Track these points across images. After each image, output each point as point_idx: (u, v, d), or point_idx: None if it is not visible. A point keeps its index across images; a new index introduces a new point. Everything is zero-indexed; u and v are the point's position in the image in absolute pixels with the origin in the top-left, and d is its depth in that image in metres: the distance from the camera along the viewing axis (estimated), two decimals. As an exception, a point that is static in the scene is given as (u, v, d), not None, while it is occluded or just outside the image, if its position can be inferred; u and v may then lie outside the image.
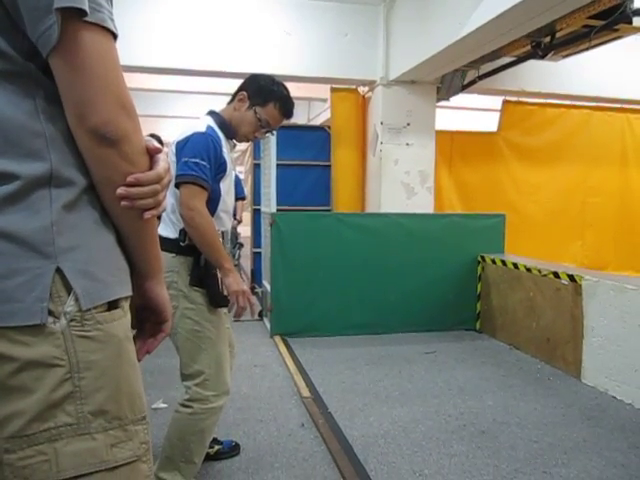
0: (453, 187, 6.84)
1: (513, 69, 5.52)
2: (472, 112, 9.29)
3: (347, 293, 4.55)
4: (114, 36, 0.76)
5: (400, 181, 6.02)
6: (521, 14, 3.79)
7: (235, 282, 1.98)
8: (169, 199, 1.96)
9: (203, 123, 2.02)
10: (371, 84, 6.06)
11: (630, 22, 4.12)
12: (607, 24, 4.15)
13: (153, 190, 0.80)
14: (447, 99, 6.25)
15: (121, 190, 0.77)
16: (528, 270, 4.12)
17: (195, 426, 1.95)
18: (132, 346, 0.84)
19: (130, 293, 0.85)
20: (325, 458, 2.41)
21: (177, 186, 1.91)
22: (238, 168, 11.71)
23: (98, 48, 0.73)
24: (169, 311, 0.97)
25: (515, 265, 4.29)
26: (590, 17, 4.12)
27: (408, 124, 5.97)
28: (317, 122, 10.10)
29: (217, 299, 1.99)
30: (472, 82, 5.85)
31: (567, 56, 5.04)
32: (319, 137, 6.56)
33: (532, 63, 5.37)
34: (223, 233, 2.07)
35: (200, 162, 1.90)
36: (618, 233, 7.47)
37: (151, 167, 0.82)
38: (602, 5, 3.91)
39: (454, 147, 6.75)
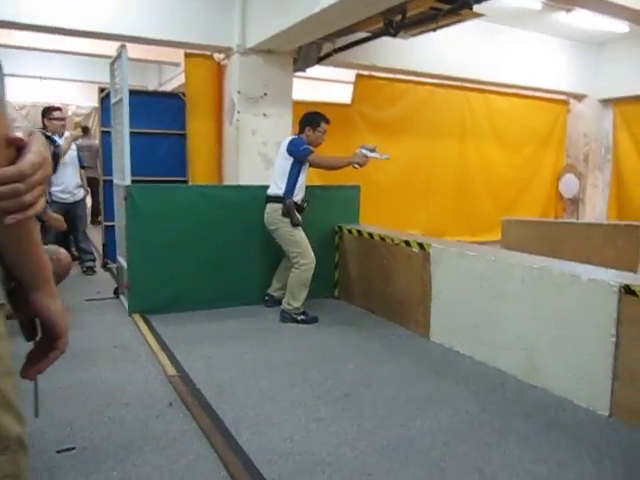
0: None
1: (366, 44, 5.72)
2: (329, 84, 9.50)
3: (207, 267, 4.48)
4: None
5: (258, 152, 6.02)
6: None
7: (354, 156, 4.35)
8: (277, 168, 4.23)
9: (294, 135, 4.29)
10: (227, 51, 5.92)
11: (471, 8, 4.47)
12: (452, 8, 4.45)
13: (13, 190, 0.67)
14: (303, 70, 6.32)
15: None
16: (382, 239, 4.37)
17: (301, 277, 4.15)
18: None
19: (2, 301, 0.73)
20: (197, 435, 2.40)
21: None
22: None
23: None
24: (61, 326, 0.84)
25: (370, 235, 4.52)
26: (438, 0, 4.40)
27: (265, 94, 5.95)
28: (169, 87, 9.68)
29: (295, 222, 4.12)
30: (328, 55, 5.96)
31: (416, 35, 5.33)
32: (173, 104, 6.27)
33: (384, 40, 5.61)
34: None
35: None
36: (456, 202, 8.20)
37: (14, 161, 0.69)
38: (448, -10, 4.20)
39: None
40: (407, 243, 4.08)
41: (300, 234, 4.18)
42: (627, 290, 2.60)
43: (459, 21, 4.98)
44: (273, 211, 4.18)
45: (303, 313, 4.18)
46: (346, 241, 4.87)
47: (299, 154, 4.11)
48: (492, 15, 6.08)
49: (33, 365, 0.84)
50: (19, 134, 0.70)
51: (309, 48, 5.92)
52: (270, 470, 2.14)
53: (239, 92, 5.84)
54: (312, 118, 4.24)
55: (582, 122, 9.01)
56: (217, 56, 6.14)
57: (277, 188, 4.18)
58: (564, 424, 2.61)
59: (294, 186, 4.16)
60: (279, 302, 4.32)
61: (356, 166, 4.27)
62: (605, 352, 2.69)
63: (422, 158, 7.81)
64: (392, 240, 4.26)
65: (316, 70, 6.76)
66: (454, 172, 8.13)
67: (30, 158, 0.70)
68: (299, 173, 4.16)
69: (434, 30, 5.04)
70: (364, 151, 4.24)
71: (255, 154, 5.99)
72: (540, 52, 7.98)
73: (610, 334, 2.66)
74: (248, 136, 5.94)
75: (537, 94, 8.62)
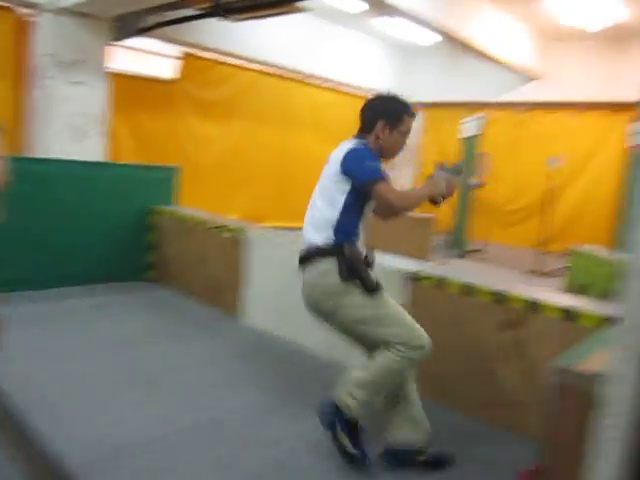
0: (130, 134, 6.66)
1: (195, 23, 5.58)
2: (157, 57, 9.08)
3: (3, 246, 4.05)
4: None
5: (69, 123, 5.56)
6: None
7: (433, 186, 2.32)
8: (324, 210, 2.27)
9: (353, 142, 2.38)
10: (34, 7, 5.35)
11: (294, 2, 4.65)
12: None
13: None
14: (122, 40, 5.98)
15: None
16: (198, 223, 4.37)
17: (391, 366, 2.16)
18: None
19: None
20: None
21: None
22: None
23: None
24: None
25: (186, 217, 4.49)
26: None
27: (78, 60, 5.51)
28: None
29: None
30: (151, 27, 5.71)
31: (244, 20, 5.35)
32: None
33: (212, 20, 5.51)
34: None
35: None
36: (276, 187, 8.44)
37: None
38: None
39: (132, 92, 6.55)
40: (219, 228, 4.13)
41: (387, 301, 2.26)
42: (415, 277, 2.96)
43: (286, 12, 5.11)
44: (321, 276, 2.25)
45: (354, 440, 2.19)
46: (162, 223, 4.76)
47: (361, 178, 2.21)
48: (318, 11, 6.35)
49: None
50: None
51: (129, 17, 5.60)
52: (76, 459, 2.06)
53: (49, 55, 5.33)
54: (389, 108, 2.37)
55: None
56: (20, 10, 5.51)
57: (322, 232, 2.26)
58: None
59: (356, 225, 2.27)
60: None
61: (440, 199, 2.38)
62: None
63: (245, 143, 7.88)
64: (205, 224, 4.28)
65: (142, 42, 6.45)
66: (275, 159, 8.33)
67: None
68: (362, 206, 2.27)
69: (262, 17, 5.12)
70: (443, 174, 2.43)
71: (66, 126, 5.53)
72: (358, 52, 8.51)
73: (400, 315, 3.00)
74: (58, 105, 5.46)
75: (351, 90, 9.13)
